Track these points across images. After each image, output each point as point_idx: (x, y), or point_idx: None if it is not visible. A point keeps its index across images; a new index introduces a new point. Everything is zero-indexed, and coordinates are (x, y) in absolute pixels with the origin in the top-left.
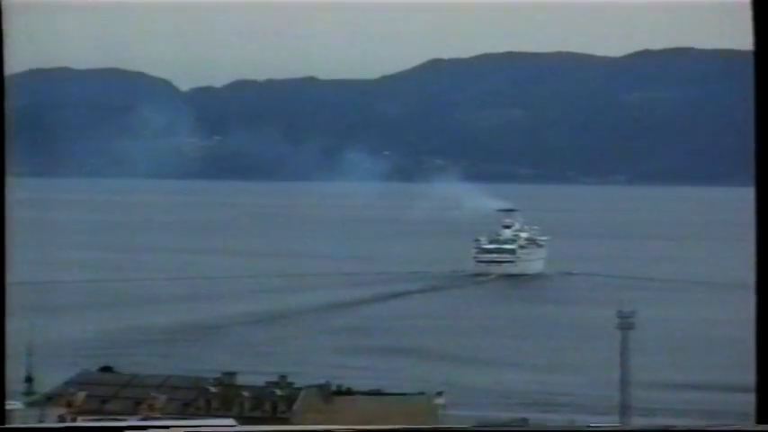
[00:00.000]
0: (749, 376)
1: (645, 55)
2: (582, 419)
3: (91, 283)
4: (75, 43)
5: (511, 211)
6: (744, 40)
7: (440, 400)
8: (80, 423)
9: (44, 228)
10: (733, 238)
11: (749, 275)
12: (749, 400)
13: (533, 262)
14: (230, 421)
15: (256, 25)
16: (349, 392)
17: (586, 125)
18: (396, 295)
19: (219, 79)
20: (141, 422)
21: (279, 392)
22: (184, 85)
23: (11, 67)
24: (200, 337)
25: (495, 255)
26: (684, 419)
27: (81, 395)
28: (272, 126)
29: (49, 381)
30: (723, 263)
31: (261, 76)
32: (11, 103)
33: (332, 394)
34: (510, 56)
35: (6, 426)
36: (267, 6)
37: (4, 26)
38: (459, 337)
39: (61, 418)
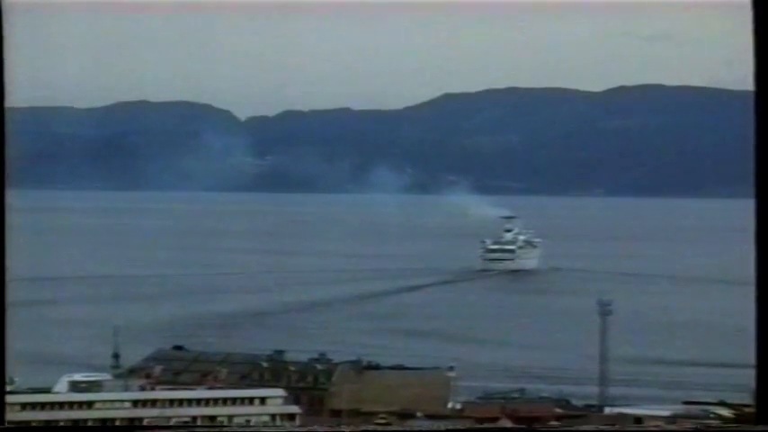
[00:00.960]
0: (706, 353)
1: (620, 90)
2: (568, 389)
3: (166, 277)
4: (152, 78)
5: (510, 217)
6: (701, 76)
7: (451, 374)
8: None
9: (128, 232)
10: (696, 240)
11: (707, 271)
12: (704, 372)
13: (529, 260)
14: (280, 391)
15: (300, 65)
16: (377, 367)
17: (571, 147)
18: (415, 287)
19: (272, 110)
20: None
21: (319, 367)
22: (243, 114)
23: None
24: (255, 322)
25: (497, 254)
26: (650, 389)
27: (158, 369)
28: (312, 148)
29: (131, 357)
30: (686, 260)
31: (305, 107)
32: (103, 132)
33: (362, 369)
34: (509, 90)
35: (6, 425)
36: (308, 51)
37: (5, 26)
38: (468, 321)
39: (142, 387)
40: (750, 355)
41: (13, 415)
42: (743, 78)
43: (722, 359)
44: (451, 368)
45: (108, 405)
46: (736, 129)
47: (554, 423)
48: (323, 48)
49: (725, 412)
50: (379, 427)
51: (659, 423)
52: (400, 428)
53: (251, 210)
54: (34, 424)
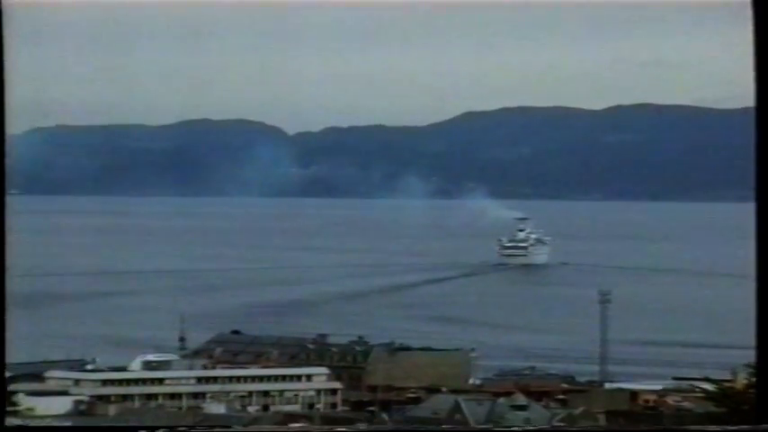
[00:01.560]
0: (695, 335)
1: (618, 108)
2: (572, 367)
3: (225, 271)
4: (213, 99)
5: (523, 219)
6: (687, 97)
7: (472, 354)
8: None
9: (193, 232)
10: (685, 238)
11: (695, 265)
12: (692, 352)
13: (540, 255)
14: (324, 370)
15: (341, 86)
16: (407, 349)
17: (574, 158)
18: (440, 279)
19: (316, 126)
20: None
21: (358, 349)
22: (291, 130)
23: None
24: (302, 310)
25: (512, 250)
26: (645, 367)
27: (218, 350)
28: (350, 159)
29: (196, 340)
30: (678, 255)
31: (344, 124)
32: (171, 146)
33: (395, 350)
34: (521, 109)
35: (6, 425)
36: (348, 75)
37: (5, 26)
38: (486, 309)
39: (205, 366)
40: (733, 337)
41: (94, 390)
42: (723, 98)
43: (709, 341)
44: (472, 350)
45: (176, 382)
46: (717, 142)
47: (560, 397)
48: (360, 71)
49: (708, 386)
50: (382, 427)
51: (652, 396)
52: (397, 428)
53: (297, 213)
54: (113, 399)
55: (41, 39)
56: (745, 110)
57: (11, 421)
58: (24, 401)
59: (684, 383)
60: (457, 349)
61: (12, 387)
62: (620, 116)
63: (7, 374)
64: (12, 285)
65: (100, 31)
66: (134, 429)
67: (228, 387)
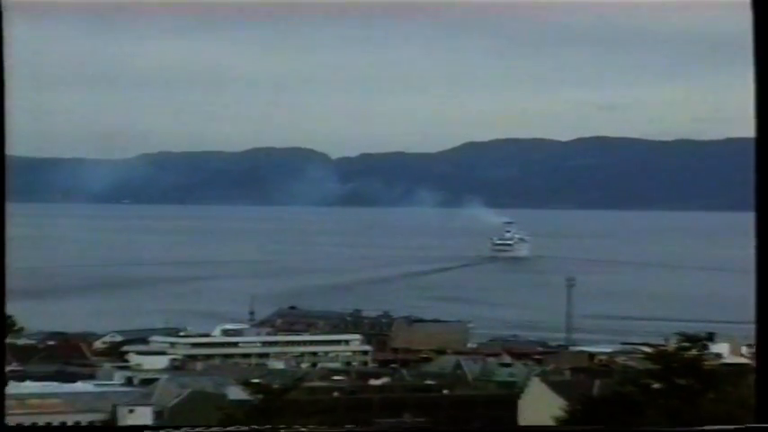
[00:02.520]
0: (644, 312)
1: (580, 140)
2: (546, 335)
3: (284, 261)
4: (275, 130)
5: (509, 222)
6: (634, 131)
7: (470, 325)
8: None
9: (259, 232)
10: (639, 238)
11: (649, 258)
12: (640, 324)
13: (522, 250)
14: (358, 336)
15: (374, 121)
16: (421, 320)
17: (549, 177)
18: (446, 269)
19: (352, 152)
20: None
21: (384, 320)
22: (334, 155)
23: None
24: (341, 291)
25: (501, 246)
26: (601, 335)
27: (279, 321)
28: (378, 178)
29: (262, 313)
30: (630, 250)
31: (374, 150)
32: (242, 168)
33: (412, 321)
34: (510, 139)
35: (6, 425)
36: (378, 112)
37: (5, 26)
38: (480, 291)
39: (268, 333)
40: (670, 312)
41: (186, 351)
42: (662, 132)
43: (652, 315)
44: (469, 322)
45: (247, 345)
46: (655, 165)
47: (537, 357)
48: (387, 109)
49: (647, 349)
50: (381, 427)
51: (605, 357)
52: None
53: (337, 218)
54: (200, 358)
55: (148, 83)
56: (677, 141)
57: (84, 387)
58: (134, 359)
59: (629, 347)
60: (458, 321)
61: (123, 348)
62: (582, 146)
63: (119, 338)
64: (123, 273)
65: (193, 77)
66: (134, 429)
67: (286, 349)
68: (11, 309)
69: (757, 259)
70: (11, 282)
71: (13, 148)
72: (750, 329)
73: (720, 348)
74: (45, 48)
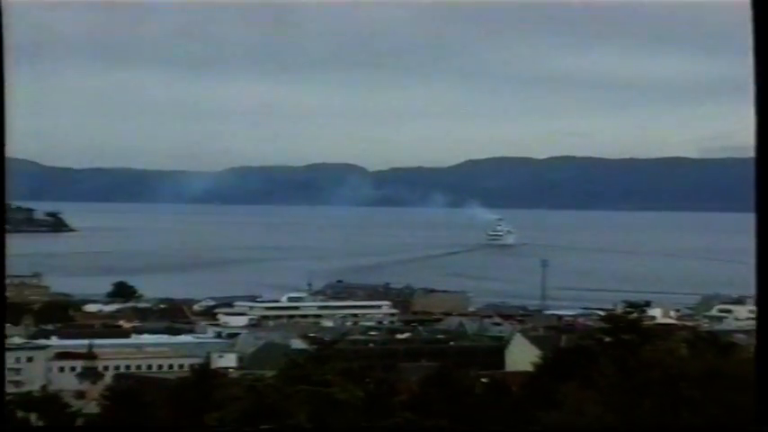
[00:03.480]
0: (604, 284)
1: (553, 158)
2: (526, 301)
3: (331, 248)
4: (326, 149)
5: (500, 219)
6: (594, 152)
7: (469, 294)
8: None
9: (314, 226)
10: (599, 232)
11: (607, 245)
12: (598, 294)
13: (509, 240)
14: (387, 303)
15: (402, 143)
16: (434, 291)
17: (530, 185)
18: (453, 253)
19: (385, 166)
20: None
21: (406, 291)
22: (371, 168)
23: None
24: (375, 269)
25: (494, 236)
26: (567, 302)
27: (329, 291)
28: (403, 185)
29: (316, 285)
30: (595, 240)
31: (400, 165)
32: (301, 179)
33: (427, 291)
34: (501, 159)
35: (6, 426)
36: (406, 138)
37: (5, 26)
38: (477, 269)
39: (322, 300)
40: (625, 286)
41: (261, 312)
42: (618, 152)
43: (609, 288)
44: (469, 292)
45: (306, 308)
46: (611, 179)
47: (519, 318)
48: (411, 134)
49: (601, 313)
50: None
51: (570, 319)
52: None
53: (372, 216)
54: (271, 318)
55: (236, 114)
56: (628, 160)
57: (186, 339)
58: (222, 319)
59: (588, 311)
60: (461, 291)
61: (215, 310)
62: (555, 162)
63: (212, 303)
64: (214, 256)
65: (270, 110)
66: (135, 429)
67: (335, 312)
68: (135, 281)
69: (757, 259)
70: (137, 261)
71: (132, 163)
72: (676, 298)
73: (654, 312)
74: (159, 92)
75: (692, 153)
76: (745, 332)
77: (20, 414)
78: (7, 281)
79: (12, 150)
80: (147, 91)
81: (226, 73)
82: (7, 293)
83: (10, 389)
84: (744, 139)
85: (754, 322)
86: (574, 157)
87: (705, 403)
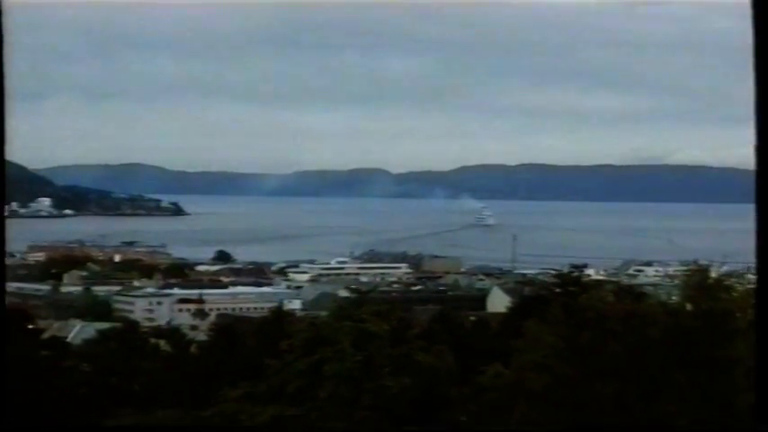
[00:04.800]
0: (558, 253)
1: (522, 164)
2: (501, 265)
3: (363, 226)
4: (364, 156)
5: (485, 207)
6: (559, 158)
7: (462, 259)
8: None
9: (351, 213)
10: (560, 216)
11: (560, 225)
12: (555, 260)
13: (491, 221)
14: (405, 264)
15: (415, 153)
16: (437, 257)
17: (506, 183)
18: (450, 231)
19: (404, 170)
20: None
21: (418, 257)
22: (394, 171)
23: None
24: (396, 242)
25: (480, 219)
26: (530, 264)
27: (365, 257)
28: (417, 183)
29: (355, 253)
30: (557, 222)
31: (416, 169)
32: (343, 180)
33: (433, 257)
34: (485, 165)
35: (6, 425)
36: (420, 150)
37: (5, 26)
38: (468, 241)
39: (360, 262)
40: (573, 252)
41: (317, 271)
42: (566, 161)
43: (562, 255)
44: (462, 257)
45: (348, 269)
46: (565, 178)
47: (497, 276)
48: (422, 147)
49: (553, 272)
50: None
51: (532, 276)
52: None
53: (392, 206)
54: (324, 276)
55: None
56: (574, 166)
57: (266, 290)
58: (291, 276)
59: (545, 271)
60: (456, 257)
61: (286, 270)
62: (525, 168)
63: (284, 264)
64: (286, 232)
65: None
66: (136, 429)
67: (369, 271)
68: (231, 250)
69: (758, 261)
70: (232, 235)
71: (227, 168)
72: (605, 262)
73: (590, 272)
74: (250, 117)
75: (616, 161)
76: (652, 285)
77: (152, 341)
78: (143, 249)
79: (144, 158)
80: (241, 116)
81: (298, 107)
82: (143, 258)
83: (145, 324)
84: (653, 152)
85: (658, 279)
86: (536, 164)
87: (624, 334)
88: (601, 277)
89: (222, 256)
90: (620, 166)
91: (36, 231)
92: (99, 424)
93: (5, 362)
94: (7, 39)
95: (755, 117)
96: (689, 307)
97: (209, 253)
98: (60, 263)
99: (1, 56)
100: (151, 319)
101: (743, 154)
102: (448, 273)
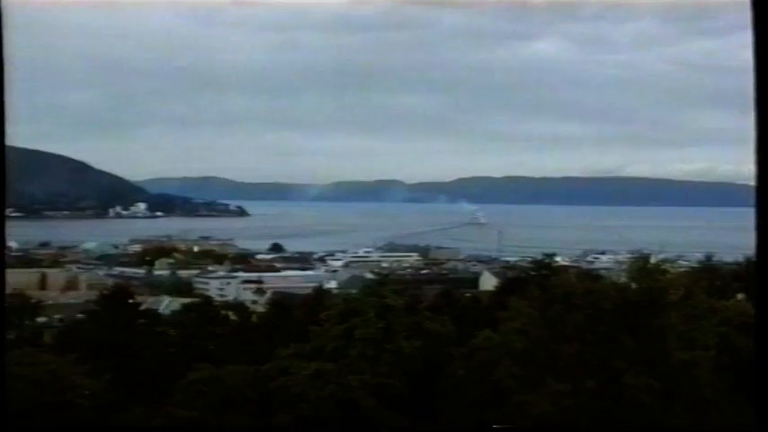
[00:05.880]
0: (535, 245)
1: (506, 177)
2: (489, 254)
3: (382, 224)
4: (383, 168)
5: (477, 209)
6: (530, 171)
7: (459, 249)
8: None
9: (373, 214)
10: (531, 216)
11: (535, 223)
12: (533, 250)
13: (482, 220)
14: (416, 254)
15: (423, 166)
16: (441, 247)
17: (492, 191)
18: (450, 228)
19: (415, 181)
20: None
21: (426, 248)
22: (408, 181)
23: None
24: (410, 237)
25: (473, 219)
26: (513, 254)
27: (385, 247)
28: (426, 192)
29: (377, 244)
30: (529, 220)
31: (425, 180)
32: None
33: (438, 248)
34: (476, 177)
35: (6, 426)
36: (427, 167)
37: (5, 26)
38: (462, 235)
39: (380, 252)
40: (547, 244)
41: (349, 259)
42: (536, 173)
43: (538, 245)
44: (459, 249)
45: (372, 257)
46: (536, 186)
47: (485, 261)
48: (430, 165)
49: (530, 259)
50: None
51: (513, 262)
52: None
53: (407, 210)
54: (353, 263)
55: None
56: (541, 178)
57: (309, 273)
58: (329, 262)
59: (524, 258)
60: (455, 247)
61: (325, 258)
62: (507, 179)
63: (322, 253)
64: (327, 228)
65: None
66: (136, 429)
67: (388, 259)
68: (283, 242)
69: (757, 259)
70: (283, 231)
71: (270, 179)
72: (569, 251)
73: (558, 259)
74: (300, 143)
75: (579, 174)
76: (606, 269)
77: (223, 312)
78: (216, 242)
79: (217, 173)
80: (289, 139)
81: (334, 133)
82: (216, 249)
83: (217, 299)
84: (607, 167)
85: (610, 264)
86: (517, 176)
87: (584, 306)
88: (566, 263)
89: (275, 248)
90: (582, 178)
91: (134, 229)
92: (100, 424)
93: (5, 366)
94: (7, 38)
95: (756, 116)
96: (633, 285)
97: (266, 245)
98: (153, 253)
99: (1, 56)
100: (222, 296)
101: (675, 168)
102: (449, 260)
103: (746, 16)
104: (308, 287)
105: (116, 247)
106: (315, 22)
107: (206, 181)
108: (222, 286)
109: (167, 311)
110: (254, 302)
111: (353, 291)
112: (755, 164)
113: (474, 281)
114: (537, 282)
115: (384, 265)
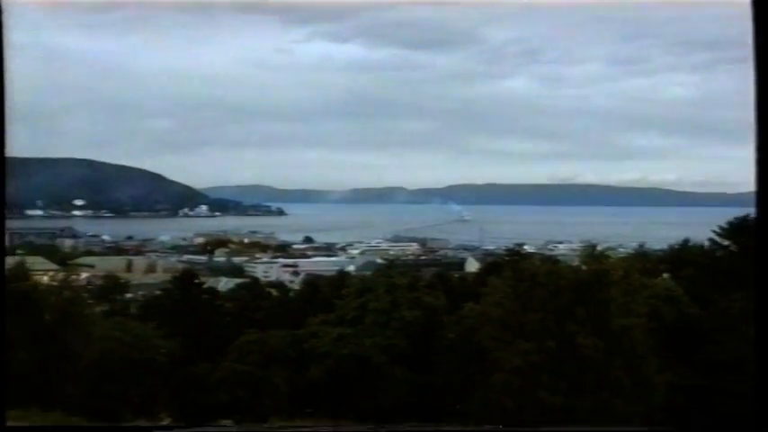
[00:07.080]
0: (511, 238)
1: (488, 184)
2: (475, 245)
3: (393, 221)
4: (390, 177)
5: (463, 209)
6: (518, 179)
7: (449, 240)
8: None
9: (386, 213)
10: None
11: (508, 219)
12: (510, 242)
13: (468, 218)
14: (416, 244)
15: (424, 175)
16: (435, 239)
17: (475, 195)
18: (441, 224)
19: (415, 187)
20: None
21: (424, 239)
22: (409, 188)
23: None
24: (414, 231)
25: (461, 217)
26: (496, 245)
27: (392, 239)
28: (421, 195)
29: (386, 237)
30: (505, 217)
31: (426, 186)
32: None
33: (433, 239)
34: (465, 186)
35: (6, 426)
36: (426, 176)
37: (5, 26)
38: (452, 230)
39: (389, 242)
40: (521, 238)
41: (363, 248)
42: (508, 181)
43: (508, 237)
44: (450, 241)
45: (383, 246)
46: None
47: (470, 250)
48: (427, 176)
49: (505, 248)
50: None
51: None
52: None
53: (409, 209)
54: (367, 251)
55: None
56: (519, 185)
57: (332, 259)
58: (348, 250)
59: (500, 248)
60: (446, 239)
61: (346, 247)
62: (488, 186)
63: (343, 244)
64: (351, 223)
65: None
66: (137, 429)
67: (394, 248)
68: (313, 236)
69: (757, 259)
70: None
71: (300, 186)
72: (534, 242)
73: (527, 247)
74: (319, 158)
75: (544, 181)
76: (563, 255)
77: (267, 290)
78: (261, 236)
79: (261, 182)
80: (316, 156)
81: (351, 151)
82: (261, 241)
83: (263, 279)
84: (565, 176)
85: (566, 251)
86: (496, 184)
87: (546, 284)
88: (532, 251)
89: (307, 239)
90: (545, 185)
91: (198, 226)
92: (99, 425)
93: (6, 367)
94: (7, 39)
95: (756, 119)
96: (584, 267)
97: (300, 237)
98: (213, 244)
99: (1, 56)
100: (266, 277)
101: (615, 177)
102: (442, 249)
103: (673, 60)
104: (332, 270)
105: (184, 239)
106: (337, 65)
107: (253, 188)
108: (266, 270)
109: (224, 289)
110: (291, 282)
111: (368, 273)
112: (756, 164)
113: (461, 265)
114: (510, 265)
115: (391, 252)
